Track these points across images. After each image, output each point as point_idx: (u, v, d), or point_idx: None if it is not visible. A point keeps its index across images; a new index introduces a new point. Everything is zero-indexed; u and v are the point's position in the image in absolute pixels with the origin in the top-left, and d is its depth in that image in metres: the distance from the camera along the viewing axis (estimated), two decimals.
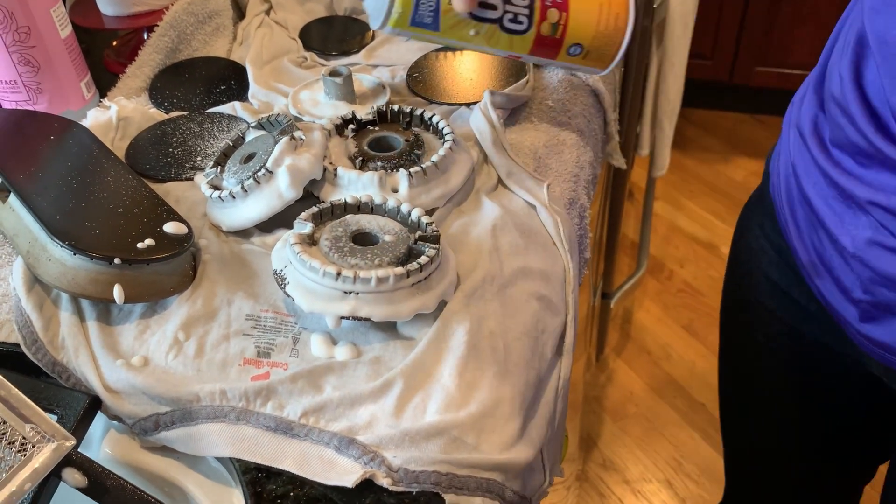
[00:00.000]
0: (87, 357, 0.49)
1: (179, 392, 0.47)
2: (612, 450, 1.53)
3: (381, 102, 0.68)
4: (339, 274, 0.47)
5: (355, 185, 0.57)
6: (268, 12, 0.85)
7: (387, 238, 0.51)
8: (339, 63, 0.77)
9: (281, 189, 0.55)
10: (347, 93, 0.68)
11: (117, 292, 0.49)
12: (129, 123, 0.67)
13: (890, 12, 0.47)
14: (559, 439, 0.56)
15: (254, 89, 0.72)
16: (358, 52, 0.78)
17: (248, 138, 0.61)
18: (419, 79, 0.72)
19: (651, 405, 1.61)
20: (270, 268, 0.53)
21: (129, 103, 0.69)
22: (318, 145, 0.58)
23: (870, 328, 0.57)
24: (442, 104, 0.70)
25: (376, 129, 0.63)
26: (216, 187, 0.58)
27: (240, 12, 0.85)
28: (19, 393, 0.41)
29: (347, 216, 0.53)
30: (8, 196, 0.55)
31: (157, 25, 0.77)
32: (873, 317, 0.56)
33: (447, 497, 0.43)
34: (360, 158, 0.59)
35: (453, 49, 0.74)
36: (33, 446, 0.41)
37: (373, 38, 0.80)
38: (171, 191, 0.61)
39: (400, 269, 0.48)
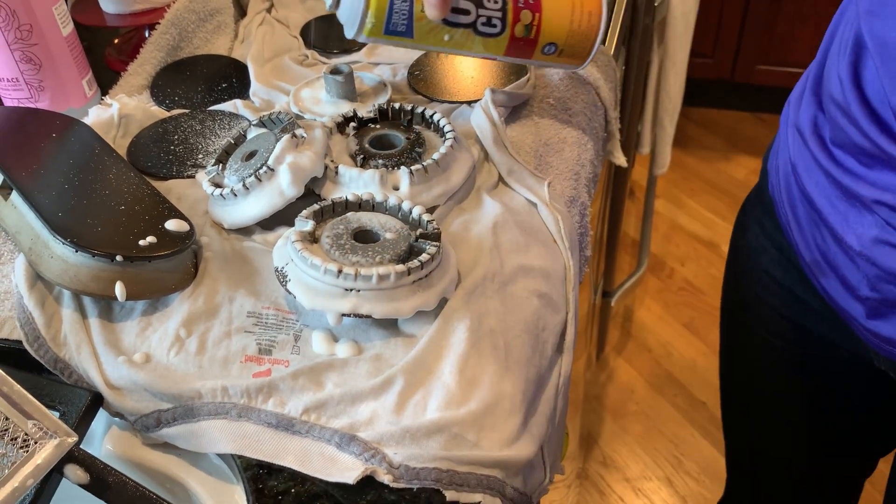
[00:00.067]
0: (89, 354, 0.49)
1: (181, 389, 0.47)
2: (613, 448, 1.53)
3: (382, 100, 0.68)
4: (340, 271, 0.48)
5: (356, 182, 0.57)
6: (269, 10, 0.85)
7: (388, 236, 0.51)
8: (340, 61, 0.77)
9: (282, 187, 0.55)
10: (349, 91, 0.68)
11: (119, 289, 0.49)
12: (131, 121, 0.67)
13: (888, 14, 0.47)
14: (560, 437, 0.56)
15: (255, 87, 0.73)
16: (359, 49, 0.78)
17: (249, 136, 0.62)
18: (420, 77, 0.72)
19: (651, 403, 1.61)
20: (272, 265, 0.53)
21: (131, 101, 0.69)
22: (320, 143, 0.58)
23: (877, 324, 0.57)
24: (443, 102, 0.70)
25: (377, 126, 0.63)
26: (218, 185, 0.58)
27: (241, 10, 0.85)
28: (22, 389, 0.42)
29: (348, 214, 0.53)
30: (10, 193, 0.55)
31: (159, 23, 0.77)
32: (881, 314, 0.56)
33: (448, 494, 0.44)
34: (362, 156, 0.60)
35: None
36: (35, 443, 0.41)
37: None
38: (172, 188, 0.61)
39: (401, 267, 0.48)
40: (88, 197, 0.54)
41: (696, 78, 2.01)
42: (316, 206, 0.54)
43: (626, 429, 1.57)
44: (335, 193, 0.57)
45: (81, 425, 0.46)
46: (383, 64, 0.76)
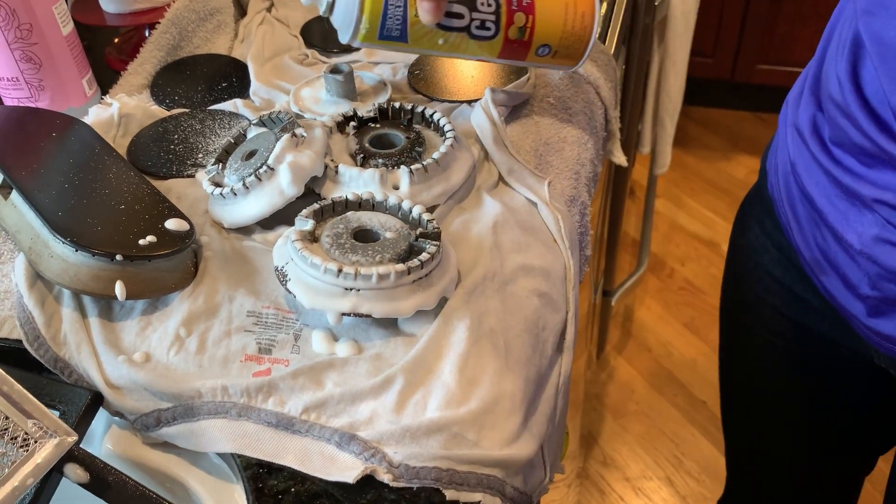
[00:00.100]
0: (89, 353, 0.49)
1: (181, 388, 0.47)
2: (613, 447, 1.53)
3: (382, 100, 0.68)
4: (340, 270, 0.48)
5: (356, 182, 0.57)
6: (269, 9, 0.85)
7: (388, 235, 0.51)
8: (340, 60, 0.77)
9: (282, 186, 0.55)
10: (349, 90, 0.68)
11: (119, 289, 0.49)
12: (131, 120, 0.67)
13: (885, 14, 0.47)
14: (560, 436, 0.56)
15: (255, 86, 0.73)
16: (359, 49, 0.78)
17: (249, 135, 0.62)
18: (420, 76, 0.72)
19: (652, 402, 1.61)
20: (272, 264, 0.53)
21: (131, 100, 0.69)
22: (320, 142, 0.58)
23: (878, 322, 0.57)
24: (443, 101, 0.70)
25: (377, 126, 0.63)
26: (218, 184, 0.58)
27: (241, 9, 0.85)
28: (22, 389, 0.42)
29: (348, 213, 0.53)
30: (10, 193, 0.55)
31: (159, 23, 0.77)
32: (881, 312, 0.56)
33: (448, 493, 0.44)
34: (362, 155, 0.60)
35: None
36: (35, 442, 0.41)
37: None
38: (172, 188, 0.61)
39: (401, 266, 0.48)
40: (88, 196, 0.54)
41: (697, 77, 2.01)
42: (316, 206, 0.54)
43: (627, 428, 1.57)
44: (335, 193, 0.57)
45: (81, 424, 0.46)
46: (383, 63, 0.76)
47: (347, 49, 0.78)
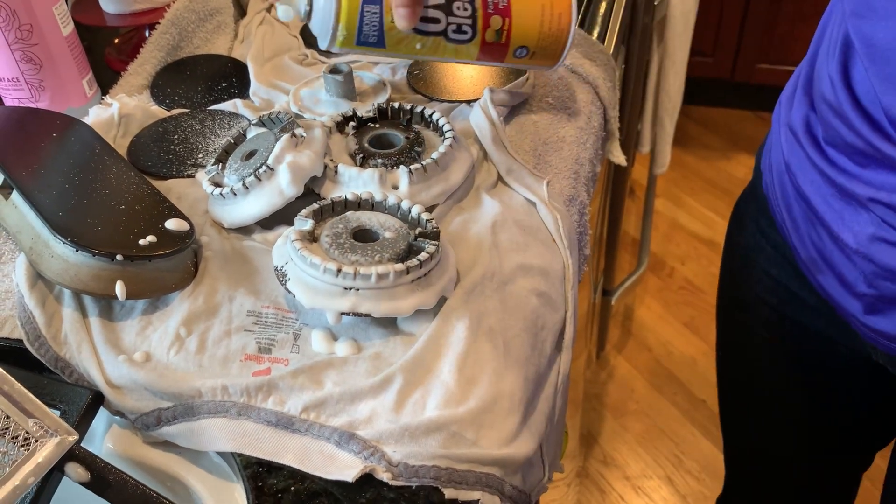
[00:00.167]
0: (90, 353, 0.49)
1: (181, 387, 0.47)
2: (613, 446, 1.54)
3: (381, 100, 0.68)
4: (339, 270, 0.48)
5: (356, 181, 0.57)
6: (269, 10, 0.85)
7: (387, 235, 0.52)
8: (339, 60, 0.77)
9: (282, 186, 0.55)
10: (348, 90, 0.68)
11: (119, 289, 0.50)
12: (131, 121, 0.67)
13: (873, 16, 0.47)
14: (559, 435, 0.57)
15: (255, 87, 0.73)
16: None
17: (249, 135, 0.62)
18: (420, 76, 0.72)
19: (652, 402, 1.62)
20: (271, 264, 0.53)
21: (131, 101, 0.69)
22: (319, 142, 0.58)
23: (875, 320, 0.57)
24: (442, 101, 0.70)
25: (377, 126, 0.63)
26: (217, 184, 0.58)
27: (241, 10, 0.85)
28: (22, 388, 0.42)
29: (348, 213, 0.54)
30: (11, 193, 0.55)
31: (159, 23, 0.78)
32: (878, 309, 0.56)
33: (446, 491, 0.44)
34: (361, 155, 0.60)
35: None
36: (36, 441, 0.41)
37: None
38: (172, 188, 0.61)
39: (400, 266, 0.48)
40: (89, 196, 0.54)
41: (697, 77, 2.01)
42: (315, 206, 0.54)
43: (627, 427, 1.57)
44: (334, 193, 0.57)
45: (82, 424, 0.46)
46: (383, 63, 0.76)
47: None
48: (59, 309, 0.51)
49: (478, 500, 0.45)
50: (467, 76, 0.72)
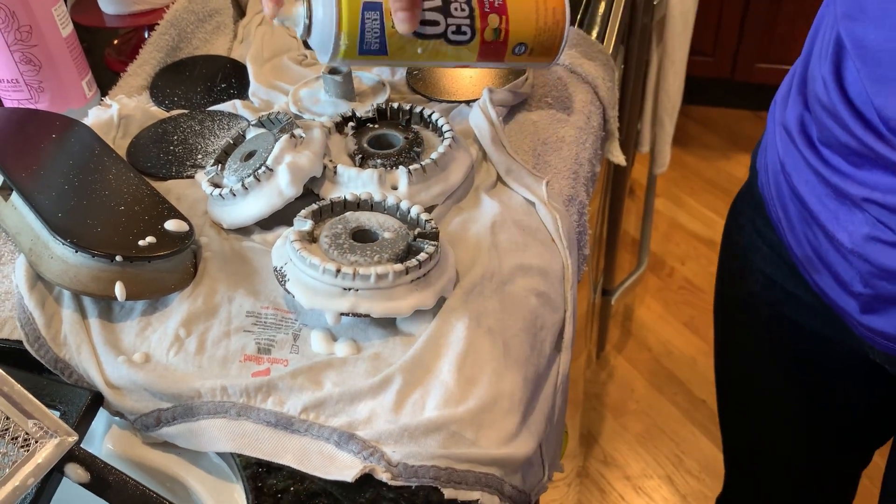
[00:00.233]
0: (89, 354, 0.49)
1: (181, 388, 0.47)
2: (613, 446, 1.54)
3: (380, 100, 0.69)
4: (338, 271, 0.48)
5: (355, 182, 0.57)
6: None
7: (386, 235, 0.52)
8: None
9: (281, 187, 0.55)
10: (347, 90, 0.68)
11: (119, 289, 0.50)
12: (131, 122, 0.67)
13: (864, 18, 0.47)
14: (558, 435, 0.57)
15: (254, 87, 0.73)
16: None
17: (248, 136, 0.62)
18: (419, 76, 0.72)
19: (652, 402, 1.62)
20: (271, 265, 0.53)
21: (131, 101, 0.69)
22: (318, 143, 0.58)
23: (871, 319, 0.57)
24: (441, 102, 0.70)
25: (376, 126, 0.63)
26: (217, 185, 0.58)
27: (240, 10, 0.85)
28: (22, 389, 0.42)
29: (347, 213, 0.54)
30: (10, 194, 0.55)
31: (158, 24, 0.78)
32: (874, 309, 0.56)
33: (446, 491, 0.44)
34: (360, 156, 0.60)
35: None
36: (36, 442, 0.41)
37: None
38: (171, 189, 0.61)
39: (399, 266, 0.48)
40: (88, 197, 0.54)
41: (697, 76, 2.01)
42: (314, 206, 0.54)
43: (627, 427, 1.57)
44: (334, 193, 0.57)
45: (82, 425, 0.46)
46: None
47: None
48: (59, 310, 0.51)
49: (477, 499, 0.45)
50: (466, 77, 0.72)
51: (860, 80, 0.49)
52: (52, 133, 0.61)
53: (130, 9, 0.79)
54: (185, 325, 0.50)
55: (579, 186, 0.65)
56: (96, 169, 0.58)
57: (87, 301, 0.52)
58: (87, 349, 0.49)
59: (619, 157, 0.80)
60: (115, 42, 0.84)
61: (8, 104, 0.69)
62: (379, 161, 0.59)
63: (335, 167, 0.58)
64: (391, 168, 0.58)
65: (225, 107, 0.70)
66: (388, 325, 0.51)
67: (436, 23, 0.57)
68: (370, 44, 0.57)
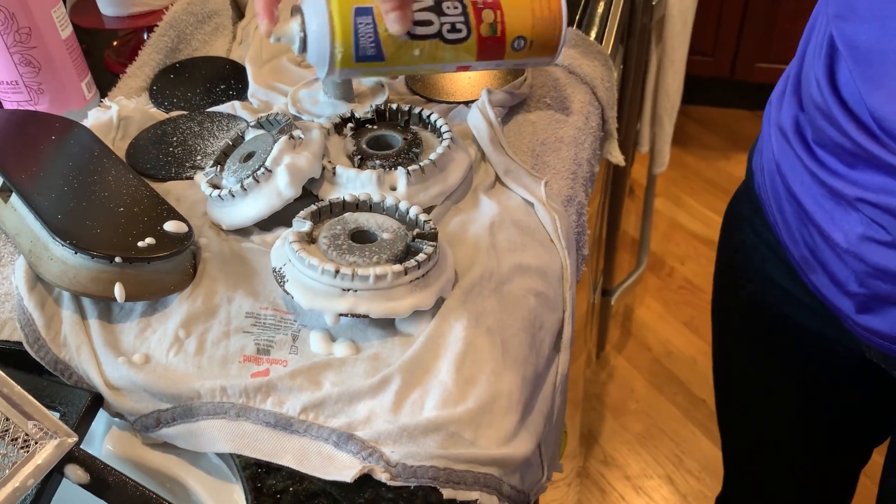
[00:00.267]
0: (89, 355, 0.49)
1: (180, 389, 0.47)
2: (613, 446, 1.54)
3: (379, 101, 0.69)
4: (337, 271, 0.48)
5: (354, 183, 0.57)
6: None
7: (385, 236, 0.52)
8: None
9: (280, 188, 0.55)
10: (346, 92, 0.68)
11: (118, 291, 0.50)
12: (130, 123, 0.68)
13: (856, 18, 0.48)
14: (558, 435, 0.57)
15: (253, 88, 0.73)
16: None
17: (247, 137, 0.62)
18: (418, 77, 0.72)
19: (652, 402, 1.62)
20: (270, 266, 0.53)
21: (130, 103, 0.69)
22: (317, 144, 0.58)
23: (867, 319, 0.57)
24: (440, 103, 0.70)
25: (375, 127, 0.63)
26: (216, 186, 0.58)
27: (239, 12, 0.85)
28: (22, 390, 0.42)
29: (346, 214, 0.54)
30: (10, 196, 0.55)
31: (157, 25, 0.78)
32: (870, 308, 0.57)
33: (445, 491, 0.44)
34: (359, 157, 0.60)
35: None
36: (36, 443, 0.41)
37: None
38: (171, 190, 0.61)
39: (398, 267, 0.48)
40: (88, 199, 0.54)
41: (696, 76, 2.01)
42: (313, 207, 0.54)
43: (627, 427, 1.57)
44: (333, 194, 0.57)
45: (81, 426, 0.46)
46: None
47: None
48: (59, 311, 0.51)
49: (476, 499, 0.45)
50: (465, 77, 0.72)
51: (853, 80, 0.49)
52: (52, 135, 0.61)
53: (129, 10, 0.79)
54: (184, 325, 0.50)
55: (578, 187, 0.65)
56: (96, 170, 0.58)
57: (86, 302, 0.52)
58: (86, 350, 0.49)
59: (617, 158, 0.80)
60: (115, 44, 0.84)
61: (7, 106, 0.69)
62: (378, 162, 0.59)
63: (334, 168, 0.58)
64: (390, 169, 0.58)
65: (224, 108, 0.70)
66: (387, 325, 0.51)
67: (429, 22, 0.57)
68: (366, 49, 0.56)
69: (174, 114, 0.69)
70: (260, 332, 0.51)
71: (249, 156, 0.59)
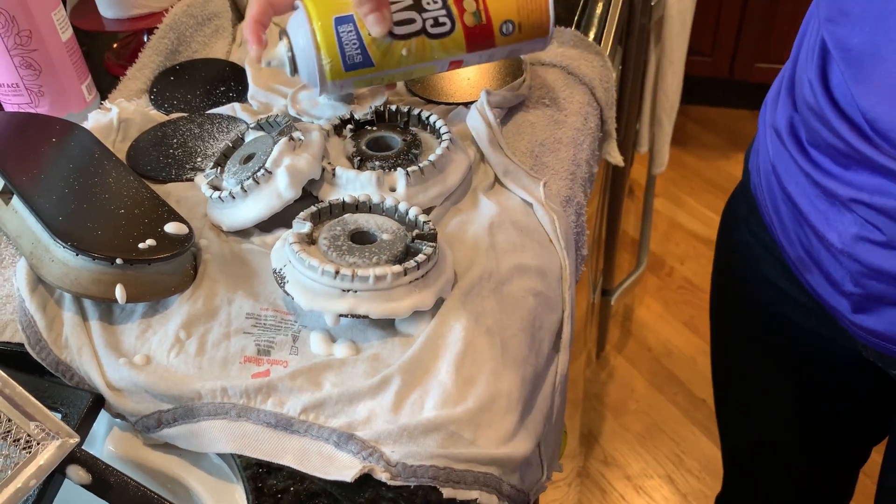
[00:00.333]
0: (91, 356, 0.49)
1: (181, 390, 0.47)
2: (614, 446, 1.54)
3: (379, 102, 0.69)
4: (337, 272, 0.48)
5: (353, 184, 0.57)
6: None
7: (385, 237, 0.52)
8: None
9: (280, 189, 0.56)
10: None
11: (119, 292, 0.50)
12: (130, 125, 0.68)
13: (847, 21, 0.48)
14: (557, 435, 0.57)
15: (253, 90, 0.73)
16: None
17: (247, 139, 0.62)
18: (417, 79, 0.73)
19: (652, 401, 1.62)
20: (270, 267, 0.53)
21: (130, 105, 0.70)
22: (317, 145, 0.59)
23: (862, 318, 0.58)
24: (439, 104, 0.70)
25: (374, 129, 0.63)
26: (216, 188, 0.59)
27: (239, 14, 0.85)
28: (24, 391, 0.42)
29: (346, 215, 0.54)
30: (11, 198, 0.55)
31: (157, 28, 0.78)
32: (865, 307, 0.57)
33: (445, 491, 0.44)
34: (359, 158, 0.60)
35: None
36: (38, 444, 0.42)
37: None
38: (171, 191, 0.61)
39: (397, 267, 0.49)
40: (88, 201, 0.55)
41: (695, 76, 2.01)
42: (313, 208, 0.54)
43: (627, 427, 1.57)
44: (332, 195, 0.58)
45: (83, 426, 0.46)
46: None
47: None
48: (60, 313, 0.52)
49: (475, 499, 0.45)
50: (464, 78, 0.72)
51: (845, 82, 0.49)
52: (52, 137, 0.61)
53: (129, 13, 0.80)
54: (185, 326, 0.51)
55: (577, 187, 0.65)
56: (96, 172, 0.58)
57: (87, 304, 0.52)
58: (88, 351, 0.50)
59: (616, 158, 0.80)
60: (115, 46, 0.84)
61: (8, 108, 0.69)
62: (377, 163, 0.59)
63: (334, 169, 0.58)
64: (389, 170, 0.58)
65: (224, 110, 0.70)
66: (387, 325, 0.51)
67: (411, 20, 0.57)
68: (353, 57, 0.56)
69: (174, 116, 0.70)
70: (260, 333, 0.51)
71: (249, 157, 0.59)
